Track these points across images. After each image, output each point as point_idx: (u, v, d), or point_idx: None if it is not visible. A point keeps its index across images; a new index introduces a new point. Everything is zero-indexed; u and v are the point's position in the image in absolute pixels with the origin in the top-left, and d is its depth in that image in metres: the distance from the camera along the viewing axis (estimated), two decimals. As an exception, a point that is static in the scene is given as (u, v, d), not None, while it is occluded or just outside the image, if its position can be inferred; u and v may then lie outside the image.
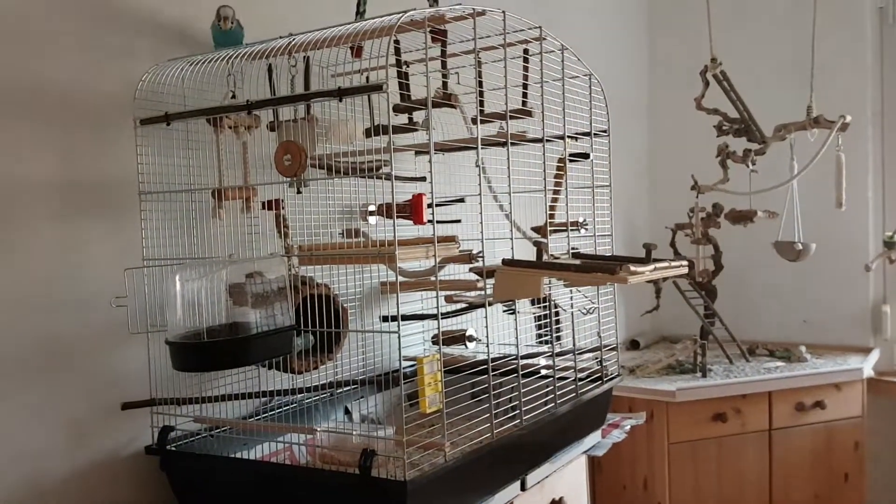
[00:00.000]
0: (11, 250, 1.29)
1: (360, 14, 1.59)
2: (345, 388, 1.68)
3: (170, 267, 1.39)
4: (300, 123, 1.42)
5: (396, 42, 1.53)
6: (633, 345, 3.13)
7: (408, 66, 1.60)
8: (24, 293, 1.30)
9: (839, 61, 2.97)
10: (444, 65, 1.55)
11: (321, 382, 1.62)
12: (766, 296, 3.19)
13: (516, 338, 1.52)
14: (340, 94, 1.21)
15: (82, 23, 1.39)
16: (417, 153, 1.87)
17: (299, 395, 1.62)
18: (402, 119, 1.60)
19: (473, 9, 1.38)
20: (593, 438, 1.84)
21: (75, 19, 1.38)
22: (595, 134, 1.77)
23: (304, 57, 1.45)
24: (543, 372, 1.72)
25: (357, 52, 1.46)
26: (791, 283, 3.12)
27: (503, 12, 1.44)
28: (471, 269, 1.74)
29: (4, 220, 1.28)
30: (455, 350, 1.71)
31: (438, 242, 1.35)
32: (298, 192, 1.50)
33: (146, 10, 1.49)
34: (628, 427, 2.02)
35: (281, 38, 1.37)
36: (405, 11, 1.26)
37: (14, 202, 1.29)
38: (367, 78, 1.57)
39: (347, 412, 1.74)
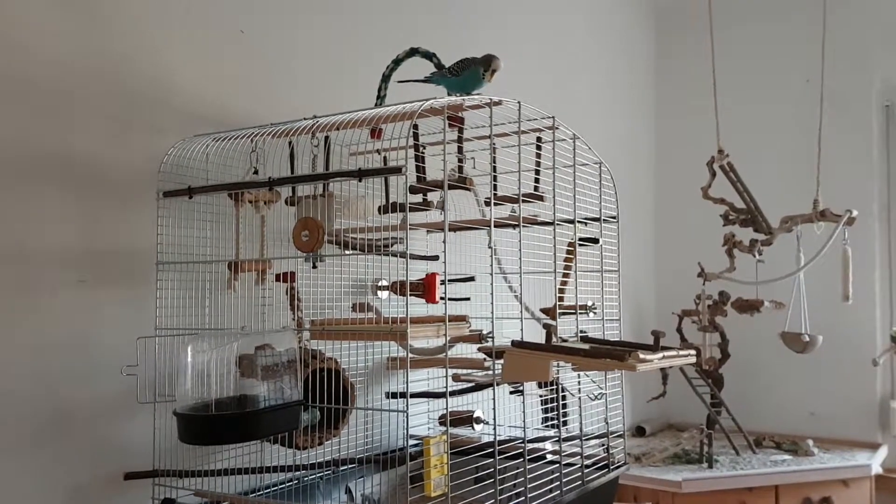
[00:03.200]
0: (30, 317, 1.31)
1: (380, 99, 1.65)
2: (347, 467, 1.66)
3: (181, 337, 1.41)
4: (318, 200, 1.45)
5: (415, 126, 1.58)
6: (639, 431, 3.09)
7: (424, 149, 1.65)
8: (38, 359, 1.31)
9: (846, 156, 3.03)
10: (460, 149, 1.59)
11: (323, 459, 1.61)
12: (773, 386, 3.16)
13: (523, 421, 1.51)
14: (361, 175, 1.25)
15: (113, 98, 1.45)
16: (429, 231, 1.91)
17: (299, 472, 1.60)
18: (417, 198, 1.63)
19: (490, 98, 1.43)
20: (598, 528, 1.80)
21: (106, 94, 1.44)
22: (604, 220, 1.80)
23: (325, 137, 1.50)
24: (549, 457, 1.70)
25: (378, 134, 1.51)
26: (798, 374, 3.09)
27: (518, 102, 1.49)
28: (479, 349, 1.74)
29: (25, 287, 1.30)
30: (461, 431, 1.70)
31: (449, 321, 1.36)
32: (314, 266, 1.53)
33: (175, 87, 1.55)
34: (633, 517, 1.97)
35: (305, 119, 1.42)
36: (426, 99, 1.31)
37: (35, 270, 1.32)
38: (385, 158, 1.62)
39: (348, 491, 1.71)
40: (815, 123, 2.78)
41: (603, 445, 1.77)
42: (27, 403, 1.30)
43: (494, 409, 1.40)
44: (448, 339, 1.32)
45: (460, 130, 1.57)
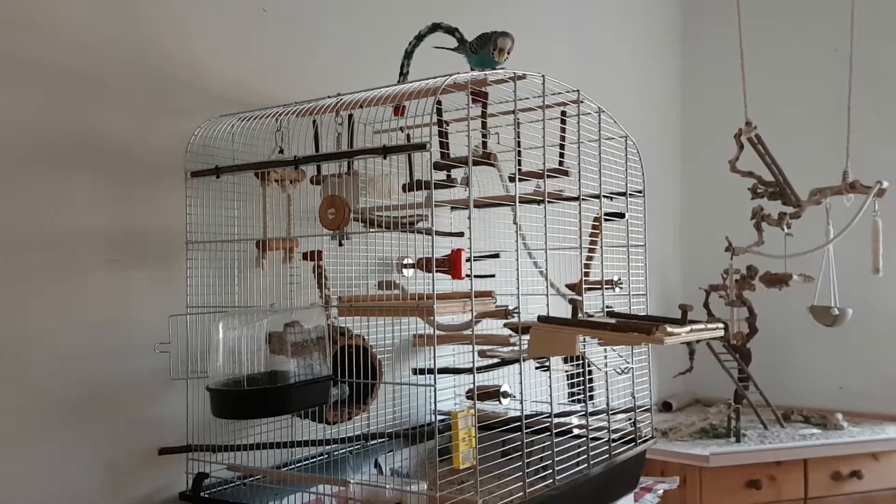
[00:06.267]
0: (64, 297, 1.33)
1: (403, 75, 1.64)
2: (376, 441, 1.68)
3: (212, 315, 1.43)
4: (343, 178, 1.46)
5: (438, 103, 1.57)
6: (666, 406, 3.09)
7: (448, 125, 1.65)
8: (73, 338, 1.34)
9: (875, 126, 2.97)
10: (484, 125, 1.59)
11: (353, 434, 1.63)
12: (802, 361, 3.13)
13: (550, 395, 1.52)
14: (385, 151, 1.25)
15: (140, 81, 1.46)
16: (453, 208, 1.91)
17: (329, 447, 1.63)
18: (440, 175, 1.63)
19: (514, 72, 1.43)
20: (625, 502, 1.81)
21: (133, 78, 1.45)
22: (630, 194, 1.79)
23: (349, 115, 1.50)
24: (576, 431, 1.71)
25: (401, 111, 1.51)
26: (827, 348, 3.07)
27: (543, 76, 1.48)
28: (505, 325, 1.75)
29: (59, 268, 1.33)
30: (488, 406, 1.71)
31: (475, 297, 1.37)
32: (340, 244, 1.54)
33: (200, 68, 1.56)
34: (661, 491, 1.98)
35: (329, 97, 1.43)
36: (449, 74, 1.30)
37: (69, 250, 1.34)
38: (409, 136, 1.62)
39: (377, 465, 1.74)
40: (844, 93, 2.73)
41: (630, 420, 1.77)
42: (63, 382, 1.33)
43: (521, 383, 1.41)
44: (474, 314, 1.33)
45: (484, 105, 1.56)
